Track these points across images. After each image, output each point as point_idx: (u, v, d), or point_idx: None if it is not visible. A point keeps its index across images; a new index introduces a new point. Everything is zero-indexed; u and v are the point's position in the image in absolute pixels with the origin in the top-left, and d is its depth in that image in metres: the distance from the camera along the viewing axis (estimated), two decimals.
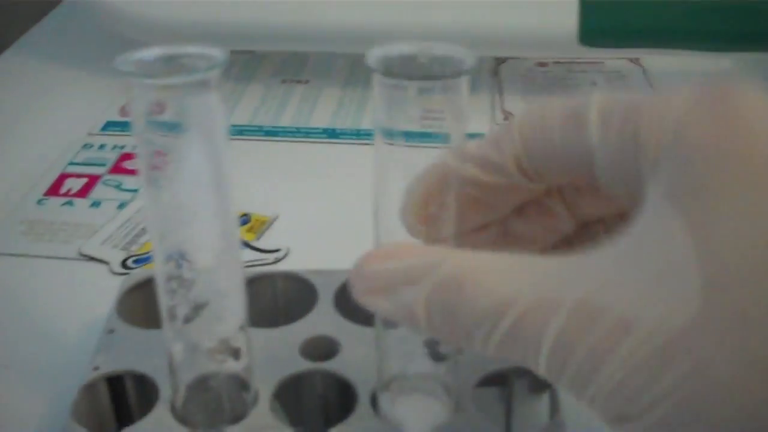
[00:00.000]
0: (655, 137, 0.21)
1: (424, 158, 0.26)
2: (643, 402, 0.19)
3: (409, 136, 0.25)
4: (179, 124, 0.25)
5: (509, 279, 0.22)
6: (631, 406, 0.20)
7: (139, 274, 0.35)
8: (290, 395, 0.31)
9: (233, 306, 0.29)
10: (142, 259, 0.42)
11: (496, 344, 0.21)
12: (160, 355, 0.30)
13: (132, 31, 0.59)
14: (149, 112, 0.25)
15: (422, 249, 0.25)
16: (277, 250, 0.43)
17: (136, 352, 0.31)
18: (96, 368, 0.30)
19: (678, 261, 0.19)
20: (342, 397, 0.31)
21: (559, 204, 0.28)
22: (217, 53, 0.25)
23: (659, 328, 0.19)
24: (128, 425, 0.29)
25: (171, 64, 0.25)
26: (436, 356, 0.30)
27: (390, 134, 0.26)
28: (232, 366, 0.29)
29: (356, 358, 0.31)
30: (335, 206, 0.47)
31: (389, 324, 0.29)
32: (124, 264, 0.42)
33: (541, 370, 0.21)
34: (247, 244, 0.43)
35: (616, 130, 0.23)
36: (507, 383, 0.32)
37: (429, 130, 0.26)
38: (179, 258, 0.27)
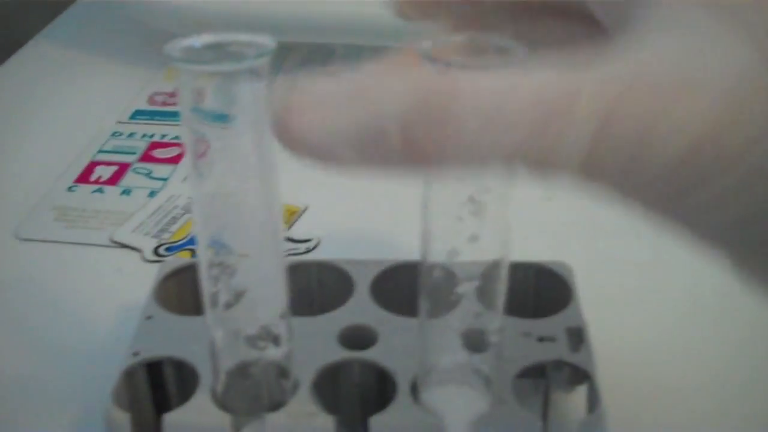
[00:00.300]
0: None
1: None
2: (715, 167, 0.18)
3: None
4: (226, 112, 0.25)
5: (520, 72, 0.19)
6: (698, 174, 0.18)
7: (175, 261, 0.35)
8: (327, 384, 0.31)
9: (274, 293, 0.28)
10: (175, 247, 0.42)
11: (508, 131, 0.18)
12: (198, 341, 0.30)
13: (158, 21, 0.59)
14: (197, 99, 0.25)
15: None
16: (308, 240, 0.43)
17: (175, 339, 0.31)
18: (136, 354, 0.30)
19: (726, 37, 0.18)
20: (380, 387, 0.31)
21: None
22: (266, 41, 0.25)
23: (733, 86, 0.18)
24: (165, 411, 0.29)
25: (219, 51, 0.25)
26: (476, 347, 0.29)
27: None
28: (272, 353, 0.29)
29: (394, 347, 0.31)
30: (365, 197, 0.47)
31: (432, 315, 0.29)
32: (156, 251, 0.42)
33: (576, 152, 0.18)
34: None
35: None
36: (545, 376, 0.32)
37: None
38: (222, 245, 0.27)
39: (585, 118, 0.18)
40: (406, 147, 0.19)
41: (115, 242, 0.43)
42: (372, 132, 0.19)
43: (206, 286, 0.28)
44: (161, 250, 0.42)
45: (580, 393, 0.32)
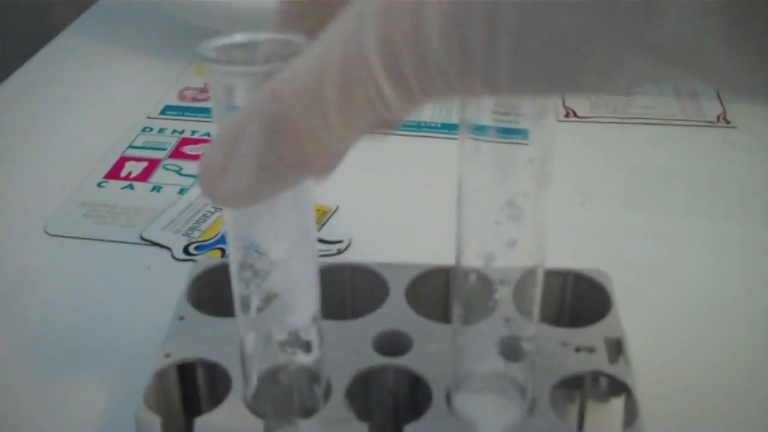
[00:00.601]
0: None
1: (507, 153, 0.26)
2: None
3: (491, 131, 0.25)
4: None
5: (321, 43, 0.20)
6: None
7: (207, 260, 0.35)
8: (361, 389, 0.30)
9: (306, 298, 0.28)
10: (205, 246, 0.42)
11: (335, 92, 0.20)
12: (231, 343, 0.30)
13: (189, 15, 0.58)
14: (229, 98, 0.25)
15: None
16: (339, 242, 0.43)
17: (207, 340, 0.31)
18: (167, 355, 0.30)
19: None
20: (414, 394, 0.30)
21: None
22: (300, 40, 0.24)
23: None
24: (195, 413, 0.29)
25: (252, 49, 0.25)
26: (511, 356, 0.29)
27: (475, 129, 0.25)
28: (303, 359, 0.28)
29: (429, 354, 0.31)
30: (394, 198, 0.47)
31: (466, 321, 0.29)
32: (186, 250, 0.42)
33: (399, 91, 0.20)
34: None
35: None
36: (582, 387, 0.31)
37: (512, 126, 0.25)
38: (253, 248, 0.27)
39: (380, 60, 0.19)
40: (282, 166, 0.21)
41: (145, 240, 0.43)
42: (255, 171, 0.22)
43: (237, 289, 0.27)
44: (191, 249, 0.42)
45: (617, 404, 0.31)
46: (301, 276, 0.28)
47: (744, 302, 0.39)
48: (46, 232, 0.44)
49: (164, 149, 0.51)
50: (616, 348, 0.32)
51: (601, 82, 0.19)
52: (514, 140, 0.25)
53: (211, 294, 0.34)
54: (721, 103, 0.55)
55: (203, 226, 0.43)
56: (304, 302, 0.28)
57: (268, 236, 0.27)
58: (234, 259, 0.27)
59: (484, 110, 0.25)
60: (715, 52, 0.17)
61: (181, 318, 0.32)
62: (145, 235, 0.43)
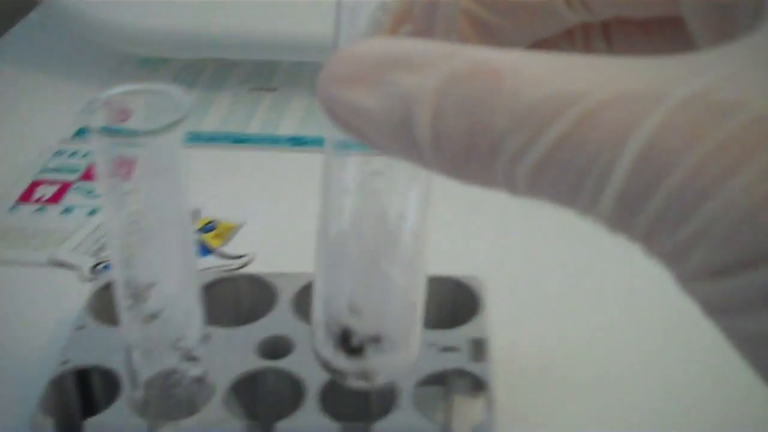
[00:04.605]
0: None
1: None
2: None
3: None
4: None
5: (572, 72, 0.16)
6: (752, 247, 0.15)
7: (110, 274, 0.39)
8: (245, 391, 0.35)
9: (188, 317, 0.32)
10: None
11: (538, 160, 0.16)
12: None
13: (104, 38, 0.63)
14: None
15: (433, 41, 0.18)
16: (242, 256, 0.47)
17: (104, 348, 0.35)
18: (65, 362, 0.34)
19: None
20: (293, 393, 0.35)
21: (599, 40, 0.23)
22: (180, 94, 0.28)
23: None
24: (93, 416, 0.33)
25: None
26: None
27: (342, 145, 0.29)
28: (190, 370, 0.33)
29: (310, 356, 0.35)
30: (301, 214, 0.51)
31: None
32: (93, 270, 0.46)
33: (608, 200, 0.16)
34: (213, 250, 0.48)
35: None
36: (446, 383, 0.36)
37: None
38: (132, 271, 0.31)
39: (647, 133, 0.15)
40: (435, 141, 0.17)
41: (55, 261, 0.47)
42: (397, 117, 0.17)
43: (122, 305, 0.32)
44: (99, 269, 0.46)
45: (481, 400, 0.36)
46: (182, 298, 0.32)
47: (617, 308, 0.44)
48: None
49: (76, 172, 0.55)
50: (480, 348, 0.37)
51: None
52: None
53: (113, 306, 0.38)
54: None
55: None
56: (186, 321, 0.32)
57: (148, 260, 0.31)
58: (118, 280, 0.31)
59: None
60: None
61: (80, 327, 0.36)
62: (54, 257, 0.47)
